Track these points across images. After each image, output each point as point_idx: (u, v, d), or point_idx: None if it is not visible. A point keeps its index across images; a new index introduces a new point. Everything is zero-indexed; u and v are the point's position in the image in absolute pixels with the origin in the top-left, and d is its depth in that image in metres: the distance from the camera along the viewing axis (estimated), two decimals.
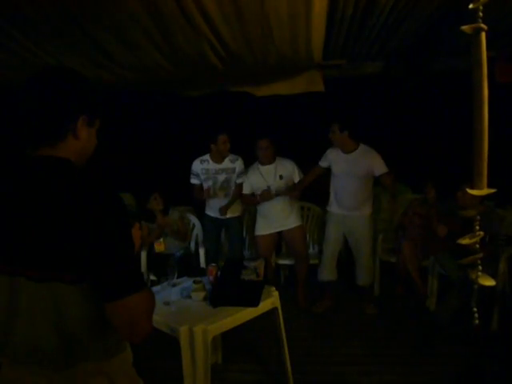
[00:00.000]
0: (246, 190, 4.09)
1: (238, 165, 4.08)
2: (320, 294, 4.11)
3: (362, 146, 3.78)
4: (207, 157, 4.10)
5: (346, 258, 4.81)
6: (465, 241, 1.12)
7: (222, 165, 4.07)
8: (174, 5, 2.52)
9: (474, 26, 0.95)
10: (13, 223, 1.02)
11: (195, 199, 4.27)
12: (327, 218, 4.07)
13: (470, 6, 0.95)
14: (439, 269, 3.77)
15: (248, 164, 4.14)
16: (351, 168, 3.75)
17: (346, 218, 3.89)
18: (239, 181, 4.10)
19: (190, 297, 2.60)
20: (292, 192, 3.94)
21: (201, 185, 4.16)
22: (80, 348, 1.08)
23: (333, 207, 3.98)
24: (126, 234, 1.04)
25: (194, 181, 4.18)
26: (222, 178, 4.06)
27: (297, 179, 4.01)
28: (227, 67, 3.75)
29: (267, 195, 3.89)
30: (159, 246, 4.07)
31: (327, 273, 4.01)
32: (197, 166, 4.13)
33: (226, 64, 3.66)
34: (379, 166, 3.72)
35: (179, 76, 4.03)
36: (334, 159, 3.89)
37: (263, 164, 4.00)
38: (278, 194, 3.90)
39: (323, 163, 3.97)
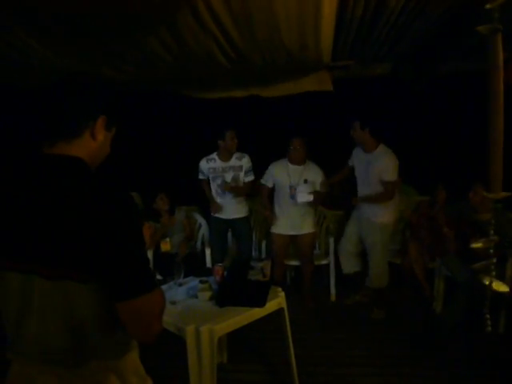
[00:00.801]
0: (267, 182, 4.07)
1: (245, 162, 4.07)
2: (351, 287, 4.19)
3: (381, 147, 3.67)
4: (214, 155, 4.10)
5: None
6: (478, 245, 1.10)
7: (229, 163, 4.06)
8: (183, 3, 2.52)
9: (490, 26, 0.94)
10: (26, 221, 1.02)
11: (205, 194, 4.27)
12: (351, 216, 4.10)
13: (487, 5, 0.94)
14: (446, 271, 3.75)
15: (257, 162, 4.15)
16: (367, 168, 3.70)
17: (362, 221, 3.85)
18: (248, 179, 4.10)
19: (196, 296, 2.59)
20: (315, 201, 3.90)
21: (207, 180, 4.18)
22: (91, 347, 1.08)
23: (355, 207, 3.97)
24: (138, 233, 1.05)
25: (201, 177, 4.21)
26: (229, 176, 4.06)
27: (320, 187, 3.94)
28: (235, 68, 3.75)
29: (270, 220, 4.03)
30: (165, 246, 4.08)
31: (344, 265, 4.08)
32: (203, 165, 4.14)
33: (234, 65, 3.66)
34: (388, 173, 3.59)
35: (187, 77, 4.04)
36: (355, 157, 3.86)
37: (292, 163, 3.95)
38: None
39: (350, 161, 3.96)
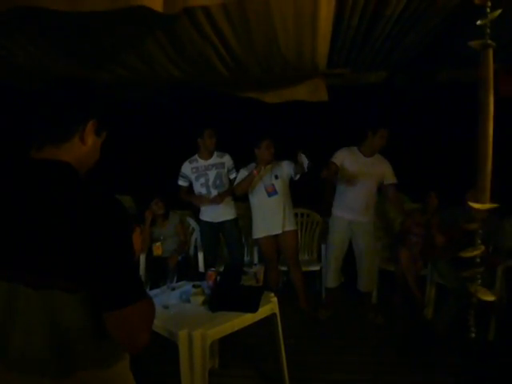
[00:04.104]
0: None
1: (227, 160, 4.13)
2: (322, 300, 4.14)
3: (377, 154, 3.88)
4: (195, 156, 4.14)
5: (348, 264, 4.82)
6: (466, 254, 1.12)
7: (210, 160, 4.09)
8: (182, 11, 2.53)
9: (481, 42, 0.96)
10: (12, 227, 1.00)
11: (180, 200, 4.26)
12: (332, 223, 3.99)
13: (478, 22, 0.96)
14: (437, 278, 3.78)
15: (239, 163, 4.15)
16: (370, 171, 3.76)
17: (354, 224, 3.86)
18: (232, 176, 4.11)
19: (189, 301, 2.60)
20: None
21: (187, 187, 4.18)
22: (77, 357, 1.06)
23: (339, 211, 3.92)
24: (127, 241, 1.03)
25: (181, 182, 4.18)
26: (213, 174, 4.07)
27: (290, 169, 3.88)
28: (233, 74, 3.76)
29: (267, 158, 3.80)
30: (157, 250, 4.09)
31: (333, 279, 4.00)
32: (186, 167, 4.14)
33: (232, 71, 3.68)
34: (391, 175, 3.85)
35: (186, 79, 4.04)
36: (349, 160, 3.80)
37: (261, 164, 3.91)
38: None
39: (337, 161, 3.80)
